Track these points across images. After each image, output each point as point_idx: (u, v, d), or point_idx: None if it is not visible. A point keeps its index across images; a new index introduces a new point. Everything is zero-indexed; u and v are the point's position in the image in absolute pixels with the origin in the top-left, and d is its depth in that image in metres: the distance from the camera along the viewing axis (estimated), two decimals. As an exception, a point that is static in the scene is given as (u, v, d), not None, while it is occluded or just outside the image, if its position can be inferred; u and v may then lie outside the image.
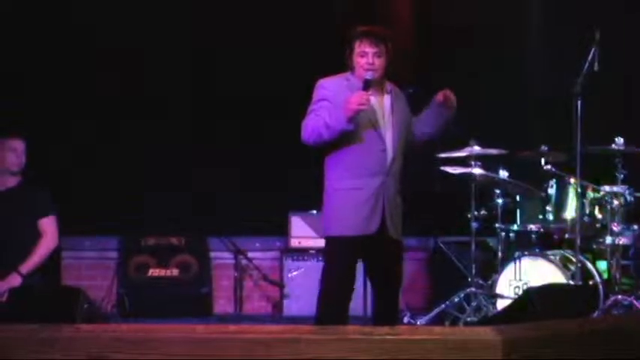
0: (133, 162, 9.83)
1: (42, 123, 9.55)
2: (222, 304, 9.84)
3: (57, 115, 9.70)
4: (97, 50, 9.85)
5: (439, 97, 6.05)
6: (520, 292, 7.88)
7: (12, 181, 7.53)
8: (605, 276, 8.18)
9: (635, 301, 7.79)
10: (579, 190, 7.91)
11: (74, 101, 9.80)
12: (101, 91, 9.87)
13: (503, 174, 8.45)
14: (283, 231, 9.81)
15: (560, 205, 8.35)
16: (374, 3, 10.27)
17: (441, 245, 9.56)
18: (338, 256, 5.94)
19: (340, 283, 5.91)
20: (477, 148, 8.41)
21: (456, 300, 8.35)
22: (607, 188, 8.10)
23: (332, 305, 5.89)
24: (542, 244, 8.56)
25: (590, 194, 8.21)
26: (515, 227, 8.59)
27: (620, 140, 8.01)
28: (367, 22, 6.18)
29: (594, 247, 8.43)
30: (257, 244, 10.04)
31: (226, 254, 9.80)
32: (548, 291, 6.75)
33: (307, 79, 6.14)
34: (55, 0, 9.94)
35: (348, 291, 5.92)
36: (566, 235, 8.45)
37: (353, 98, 5.67)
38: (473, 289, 8.35)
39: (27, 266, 7.29)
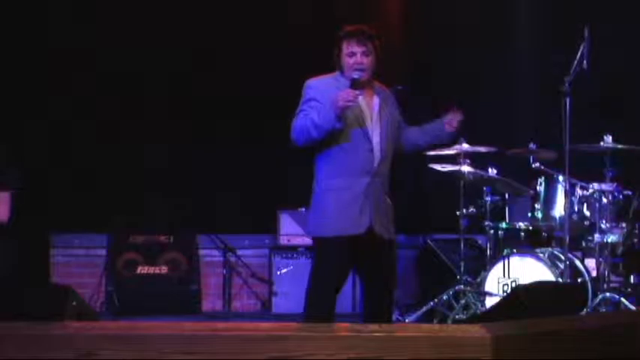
0: (122, 160, 9.82)
1: (37, 121, 9.55)
2: (211, 302, 9.84)
3: (52, 113, 9.67)
4: (97, 50, 9.84)
5: (452, 121, 6.08)
6: (509, 290, 7.89)
7: None
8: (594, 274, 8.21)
9: (623, 299, 7.81)
10: (568, 187, 7.92)
11: (71, 101, 9.78)
12: (98, 91, 9.87)
13: (492, 172, 8.47)
14: (272, 229, 9.81)
15: (548, 202, 8.37)
16: (363, 1, 10.29)
17: (430, 243, 9.57)
18: (325, 257, 5.92)
19: (328, 283, 5.90)
20: (465, 146, 8.42)
21: (445, 297, 8.37)
22: (596, 186, 8.12)
23: (319, 304, 5.88)
24: (530, 242, 8.58)
25: (579, 192, 8.22)
26: (504, 225, 8.60)
27: (608, 138, 8.03)
28: (356, 21, 6.16)
29: (583, 244, 8.45)
30: (246, 242, 10.04)
31: (215, 252, 9.80)
32: (536, 289, 6.77)
33: (299, 78, 6.12)
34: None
35: (336, 291, 5.91)
36: (555, 233, 8.47)
37: (341, 95, 5.66)
38: (462, 286, 8.37)
39: None
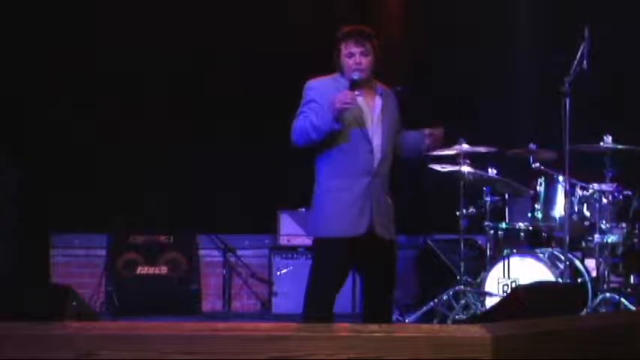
0: (122, 160, 9.81)
1: (37, 121, 9.54)
2: (211, 302, 9.84)
3: (52, 113, 9.66)
4: (97, 49, 9.83)
5: (430, 135, 6.04)
6: (509, 290, 7.89)
7: None
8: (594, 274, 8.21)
9: (623, 299, 7.81)
10: (568, 188, 7.92)
11: (71, 101, 9.77)
12: (98, 91, 9.87)
13: (492, 172, 8.46)
14: (272, 229, 9.81)
15: (548, 203, 8.37)
16: (363, 1, 10.29)
17: (430, 243, 9.56)
18: (325, 257, 5.92)
19: (327, 284, 5.89)
20: (465, 146, 8.41)
21: (445, 298, 8.36)
22: (596, 186, 8.12)
23: (318, 305, 5.88)
24: (530, 242, 8.58)
25: (579, 192, 8.22)
26: (503, 225, 8.60)
27: (608, 138, 8.03)
28: (356, 22, 6.17)
29: (583, 245, 8.44)
30: (246, 242, 10.03)
31: (215, 252, 9.79)
32: (536, 289, 6.77)
33: (300, 79, 6.12)
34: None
35: (335, 292, 5.91)
36: (555, 233, 8.47)
37: (338, 97, 5.65)
38: (462, 287, 8.37)
39: None
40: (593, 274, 8.18)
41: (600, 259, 8.12)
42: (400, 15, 10.52)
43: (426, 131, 6.07)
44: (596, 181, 8.13)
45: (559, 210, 8.28)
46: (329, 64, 6.01)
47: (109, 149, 9.82)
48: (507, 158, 8.53)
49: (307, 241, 9.18)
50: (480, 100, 9.99)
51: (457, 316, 8.18)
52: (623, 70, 9.56)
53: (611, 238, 8.08)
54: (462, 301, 8.29)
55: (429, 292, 8.81)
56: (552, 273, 7.98)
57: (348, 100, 5.64)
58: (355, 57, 5.88)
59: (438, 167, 8.55)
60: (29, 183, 9.22)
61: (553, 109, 7.75)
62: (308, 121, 5.78)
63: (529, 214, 8.49)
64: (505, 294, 7.87)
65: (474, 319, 7.59)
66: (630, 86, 9.63)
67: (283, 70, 9.31)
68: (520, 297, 6.09)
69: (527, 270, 8.09)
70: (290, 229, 9.72)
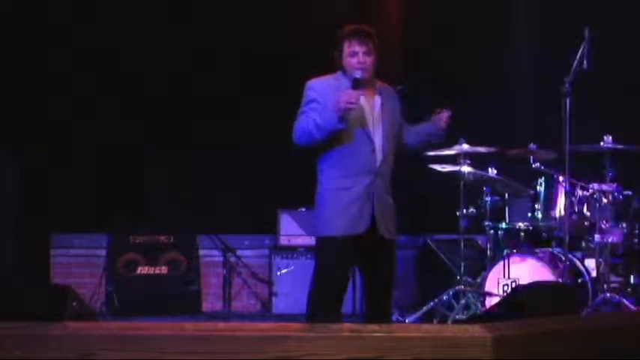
0: (122, 160, 9.80)
1: (37, 121, 9.53)
2: (211, 302, 9.83)
3: (52, 113, 9.65)
4: (97, 49, 9.82)
5: (441, 119, 6.10)
6: (509, 290, 7.89)
7: None
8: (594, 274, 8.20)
9: (624, 299, 7.81)
10: (568, 188, 7.92)
11: (71, 101, 9.76)
12: (98, 91, 9.87)
13: (492, 172, 8.46)
14: (272, 229, 9.81)
15: (548, 203, 8.36)
16: (363, 1, 10.29)
17: (430, 243, 9.56)
18: (328, 256, 5.93)
19: (330, 283, 5.90)
20: (465, 146, 8.41)
21: (445, 298, 8.36)
22: (596, 186, 8.11)
23: (322, 305, 5.88)
24: (530, 242, 8.57)
25: (579, 192, 8.22)
26: (503, 225, 8.59)
27: (608, 138, 8.03)
28: (355, 21, 6.16)
29: (583, 245, 8.44)
30: (246, 242, 10.03)
31: (215, 252, 9.80)
32: (536, 289, 6.76)
33: (300, 78, 6.12)
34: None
35: (339, 291, 5.91)
36: (555, 233, 8.46)
37: (342, 97, 5.66)
38: (462, 287, 8.37)
39: None
40: (593, 274, 8.17)
41: (600, 259, 8.11)
42: (400, 15, 10.52)
43: (434, 118, 6.12)
44: (596, 181, 8.13)
45: (559, 210, 8.28)
46: (329, 64, 6.01)
47: (108, 149, 9.81)
48: (507, 158, 8.53)
49: (307, 241, 9.20)
50: (480, 100, 9.98)
51: (457, 316, 8.18)
52: (623, 70, 9.55)
53: (611, 238, 8.07)
54: (462, 301, 8.28)
55: (429, 291, 8.81)
56: (552, 273, 7.98)
57: (353, 100, 5.65)
58: (358, 56, 5.89)
59: (438, 167, 8.55)
60: (29, 183, 9.22)
61: (553, 108, 7.75)
62: (311, 120, 5.78)
63: (529, 214, 8.48)
64: (505, 294, 7.86)
65: (473, 319, 7.57)
66: (630, 86, 9.62)
67: (283, 70, 9.31)
68: (520, 297, 6.09)
69: (527, 270, 8.08)
70: (290, 229, 9.71)
